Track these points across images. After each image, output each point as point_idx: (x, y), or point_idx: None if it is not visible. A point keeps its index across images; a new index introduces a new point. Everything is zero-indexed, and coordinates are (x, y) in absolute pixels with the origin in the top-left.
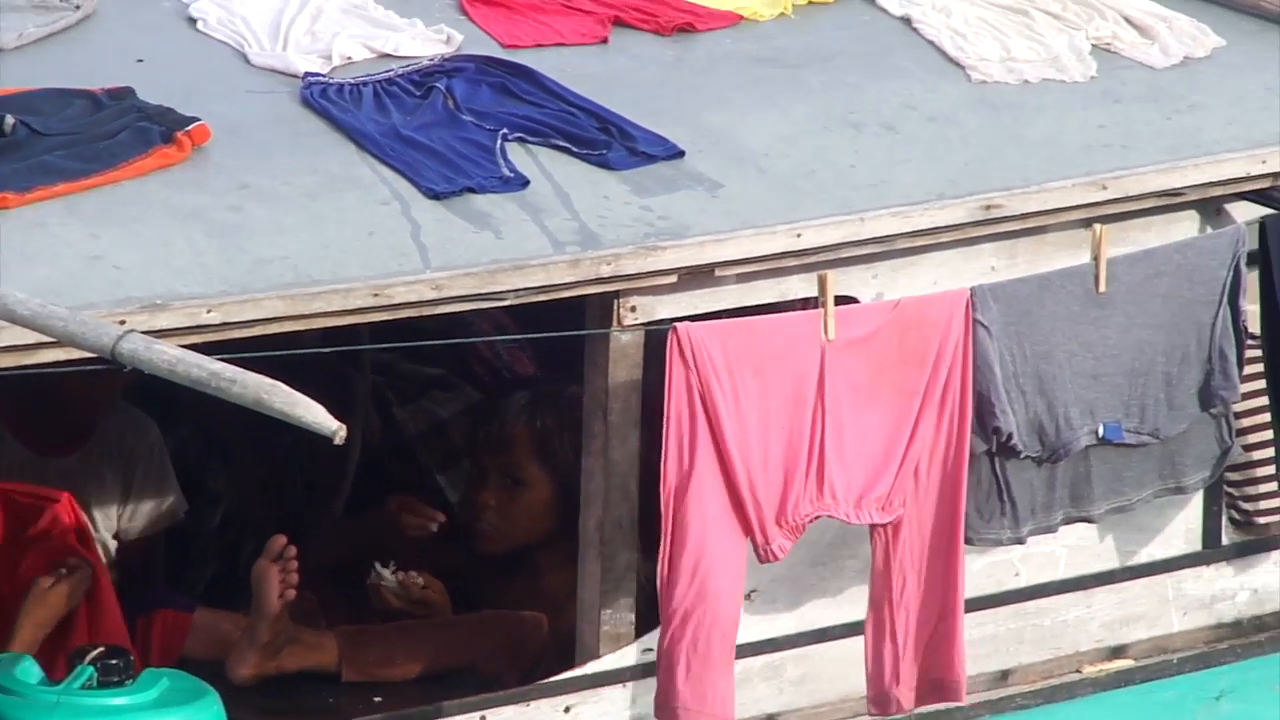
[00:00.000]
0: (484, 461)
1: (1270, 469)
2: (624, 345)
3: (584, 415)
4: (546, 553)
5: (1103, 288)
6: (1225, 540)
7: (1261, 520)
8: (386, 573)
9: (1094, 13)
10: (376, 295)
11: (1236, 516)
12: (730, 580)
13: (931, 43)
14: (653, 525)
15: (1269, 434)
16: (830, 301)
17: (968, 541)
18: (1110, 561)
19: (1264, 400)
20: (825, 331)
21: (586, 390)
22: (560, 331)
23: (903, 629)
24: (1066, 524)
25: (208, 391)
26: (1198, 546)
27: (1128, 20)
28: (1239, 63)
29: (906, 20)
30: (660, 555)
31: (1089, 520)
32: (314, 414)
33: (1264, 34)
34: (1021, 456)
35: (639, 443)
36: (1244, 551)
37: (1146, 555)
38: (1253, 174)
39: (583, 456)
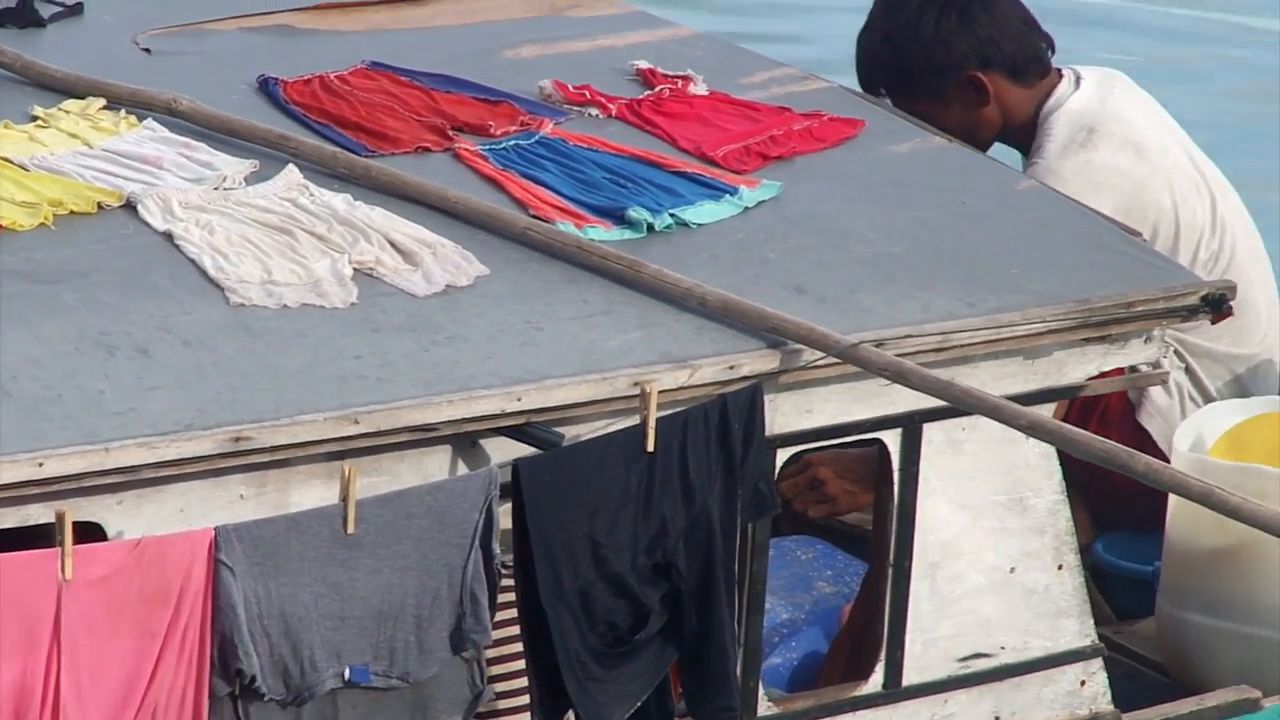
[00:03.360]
0: None
1: (517, 701)
2: None
3: None
4: None
5: (351, 529)
6: None
7: None
8: None
9: (359, 235)
10: None
11: None
12: None
13: (193, 261)
14: None
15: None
16: (69, 541)
17: None
18: None
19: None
20: (62, 572)
21: None
22: None
23: None
24: None
25: None
26: None
27: (393, 245)
28: (502, 293)
29: (169, 236)
30: None
31: None
32: None
33: (528, 264)
34: (265, 699)
35: None
36: None
37: None
38: (508, 410)
39: None
